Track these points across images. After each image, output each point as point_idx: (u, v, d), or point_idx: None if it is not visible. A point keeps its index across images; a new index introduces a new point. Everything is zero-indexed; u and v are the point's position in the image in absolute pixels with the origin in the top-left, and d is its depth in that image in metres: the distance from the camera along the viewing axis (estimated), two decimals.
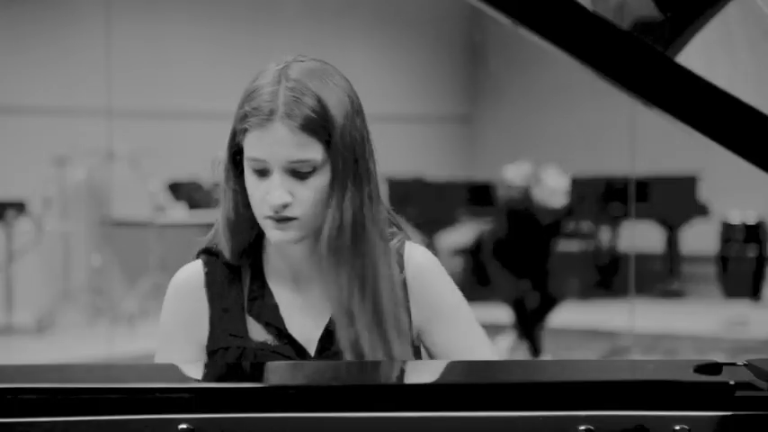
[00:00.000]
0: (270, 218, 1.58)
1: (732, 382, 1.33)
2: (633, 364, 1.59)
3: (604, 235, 9.46)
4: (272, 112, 1.56)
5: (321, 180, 1.58)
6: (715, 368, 1.40)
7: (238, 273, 1.67)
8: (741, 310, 7.84)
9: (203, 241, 1.73)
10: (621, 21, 1.22)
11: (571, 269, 8.08)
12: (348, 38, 9.80)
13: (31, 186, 7.74)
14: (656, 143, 7.55)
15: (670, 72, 1.22)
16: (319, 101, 1.57)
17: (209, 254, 1.70)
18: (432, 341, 1.67)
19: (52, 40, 8.18)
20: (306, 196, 1.57)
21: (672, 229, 9.00)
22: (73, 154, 7.89)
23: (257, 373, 1.53)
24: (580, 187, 8.57)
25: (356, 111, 1.61)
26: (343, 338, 1.60)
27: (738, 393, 1.32)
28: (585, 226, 9.38)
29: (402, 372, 1.53)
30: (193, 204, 8.15)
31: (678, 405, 1.31)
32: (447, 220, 9.19)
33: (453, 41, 11.03)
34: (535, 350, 6.24)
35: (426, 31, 10.68)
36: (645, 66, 1.22)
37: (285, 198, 1.56)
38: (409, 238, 1.71)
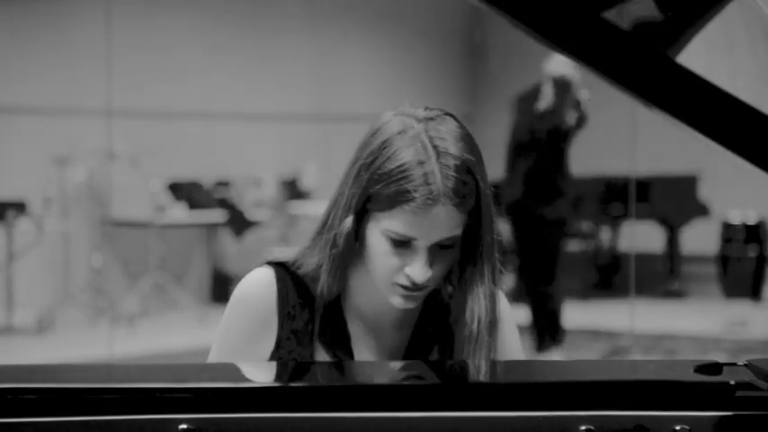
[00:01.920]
0: (403, 287, 1.54)
1: (732, 383, 1.33)
2: (633, 365, 1.59)
3: (605, 235, 9.46)
4: (432, 198, 1.49)
5: (456, 251, 1.56)
6: (715, 368, 1.40)
7: (312, 297, 1.62)
8: (741, 310, 7.84)
9: (279, 256, 1.65)
10: (621, 21, 1.22)
11: (571, 269, 8.08)
12: (348, 37, 9.79)
13: (31, 186, 7.74)
14: (656, 143, 7.54)
15: (670, 72, 1.22)
16: (471, 174, 1.52)
17: (284, 269, 1.63)
18: None
19: (52, 40, 8.18)
20: (440, 268, 1.55)
21: (672, 229, 9.00)
22: (73, 154, 7.89)
23: (257, 373, 1.53)
24: (580, 187, 8.58)
25: (485, 171, 1.58)
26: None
27: (739, 393, 1.33)
28: (586, 226, 9.38)
29: (402, 372, 1.53)
30: (194, 204, 8.15)
31: (678, 405, 1.31)
32: None
33: (453, 41, 11.03)
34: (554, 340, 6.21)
35: (427, 30, 10.67)
36: (645, 66, 1.22)
37: (429, 274, 1.53)
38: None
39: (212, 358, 1.65)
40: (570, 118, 5.99)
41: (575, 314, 6.82)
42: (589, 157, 7.52)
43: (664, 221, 8.96)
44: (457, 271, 1.60)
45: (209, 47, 8.99)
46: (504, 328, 1.66)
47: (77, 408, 1.28)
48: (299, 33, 9.39)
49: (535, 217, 6.10)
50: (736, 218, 8.51)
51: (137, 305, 7.83)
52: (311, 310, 1.62)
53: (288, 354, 1.60)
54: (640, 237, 8.88)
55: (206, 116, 8.88)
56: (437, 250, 1.53)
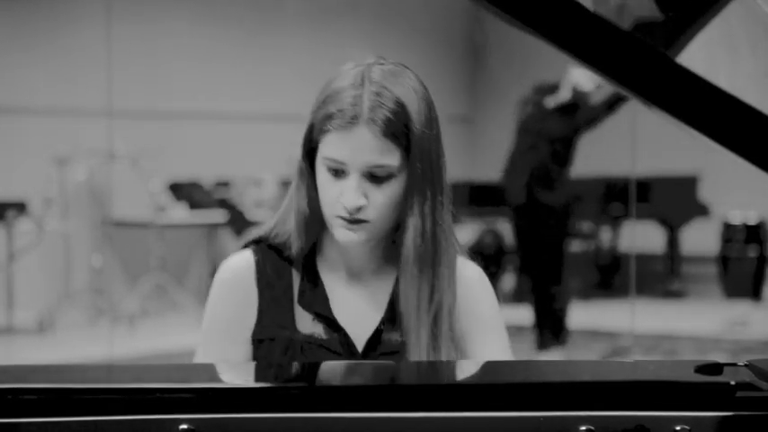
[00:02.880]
0: (341, 218, 1.59)
1: (733, 383, 1.33)
2: (634, 365, 1.59)
3: (605, 235, 9.46)
4: (356, 116, 1.56)
5: (396, 186, 1.59)
6: (716, 368, 1.40)
7: (289, 264, 1.68)
8: (742, 310, 7.84)
9: (254, 234, 1.72)
10: (621, 21, 1.22)
11: (572, 269, 8.08)
12: (348, 38, 9.80)
13: (31, 186, 7.74)
14: (657, 143, 7.55)
15: (670, 72, 1.22)
16: (402, 107, 1.58)
17: (259, 244, 1.69)
18: (465, 352, 1.70)
19: (52, 40, 8.18)
20: (380, 201, 1.59)
21: (672, 229, 9.00)
22: (73, 154, 7.89)
23: (258, 372, 1.53)
24: (580, 187, 8.58)
25: (434, 118, 1.63)
26: (411, 343, 1.62)
27: (739, 394, 1.32)
28: (586, 226, 9.38)
29: (403, 372, 1.53)
30: (194, 204, 8.15)
31: (679, 405, 1.31)
32: None
33: (453, 41, 11.03)
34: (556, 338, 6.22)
35: (427, 31, 10.68)
36: (645, 66, 1.22)
37: (361, 201, 1.57)
38: (462, 254, 1.72)
39: (201, 341, 1.69)
40: (581, 119, 6.11)
41: (575, 314, 6.82)
42: (589, 157, 7.51)
43: (664, 221, 8.96)
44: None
45: (209, 47, 8.99)
46: (480, 302, 1.69)
47: (77, 408, 1.28)
48: (300, 33, 9.39)
49: (539, 206, 6.12)
50: (737, 218, 8.51)
51: (137, 305, 7.84)
52: (290, 275, 1.67)
53: (270, 322, 1.65)
54: (640, 237, 8.88)
55: (206, 116, 8.88)
56: (371, 179, 1.58)
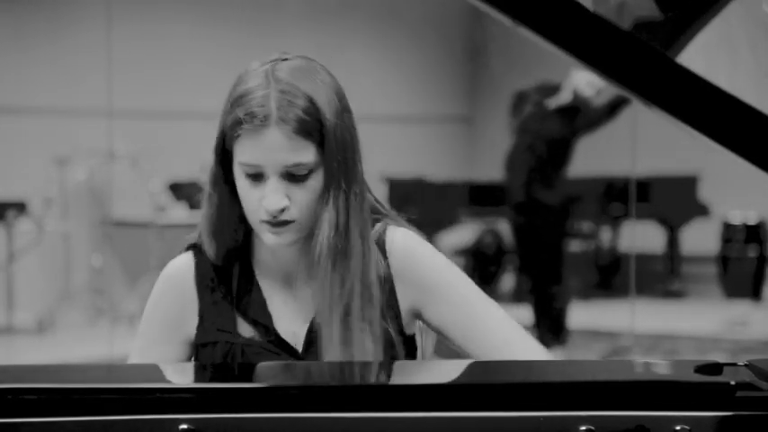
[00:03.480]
0: (266, 222, 1.57)
1: (733, 383, 1.33)
2: (633, 365, 1.59)
3: (605, 235, 9.46)
4: (266, 118, 1.54)
5: (316, 181, 1.58)
6: (716, 368, 1.40)
7: (228, 268, 1.67)
8: (742, 310, 7.84)
9: (190, 237, 1.72)
10: (621, 21, 1.22)
11: (572, 269, 8.07)
12: (348, 38, 9.80)
13: (31, 186, 7.74)
14: (657, 143, 7.54)
15: (670, 72, 1.22)
16: (311, 102, 1.56)
17: (198, 248, 1.69)
18: (429, 321, 1.67)
19: (52, 40, 8.18)
20: (302, 199, 1.57)
21: (672, 229, 9.00)
22: (73, 154, 7.89)
23: (258, 372, 1.53)
24: (580, 187, 8.57)
25: (345, 108, 1.61)
26: (323, 337, 1.61)
27: (739, 394, 1.32)
28: (586, 226, 9.38)
29: (402, 372, 1.53)
30: (194, 204, 8.14)
31: (679, 405, 1.31)
32: (447, 220, 9.19)
33: (453, 41, 11.03)
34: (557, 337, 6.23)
35: (426, 31, 10.67)
36: (645, 66, 1.22)
37: (283, 202, 1.56)
38: (393, 222, 1.69)
39: (137, 342, 1.70)
40: (581, 122, 6.14)
41: (575, 314, 6.82)
42: (589, 157, 7.51)
43: (664, 221, 8.96)
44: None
45: (209, 47, 8.99)
46: (418, 268, 1.65)
47: (77, 408, 1.28)
48: (299, 34, 9.39)
49: (538, 205, 6.13)
50: (737, 218, 8.51)
51: (137, 305, 7.83)
52: (228, 280, 1.66)
53: (211, 325, 1.64)
54: (640, 237, 8.88)
55: (206, 116, 8.87)
56: (291, 179, 1.56)
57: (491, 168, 7.54)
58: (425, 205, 8.92)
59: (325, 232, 1.58)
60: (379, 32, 10.20)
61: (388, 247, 1.66)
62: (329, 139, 1.56)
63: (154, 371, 1.54)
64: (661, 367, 1.51)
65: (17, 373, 1.41)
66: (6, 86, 7.97)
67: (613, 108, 6.14)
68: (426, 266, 1.66)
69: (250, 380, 1.47)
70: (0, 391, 1.28)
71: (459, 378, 1.48)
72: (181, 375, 1.51)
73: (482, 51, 10.93)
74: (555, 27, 1.20)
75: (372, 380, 1.48)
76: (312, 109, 1.55)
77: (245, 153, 1.56)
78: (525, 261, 6.45)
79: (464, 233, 9.52)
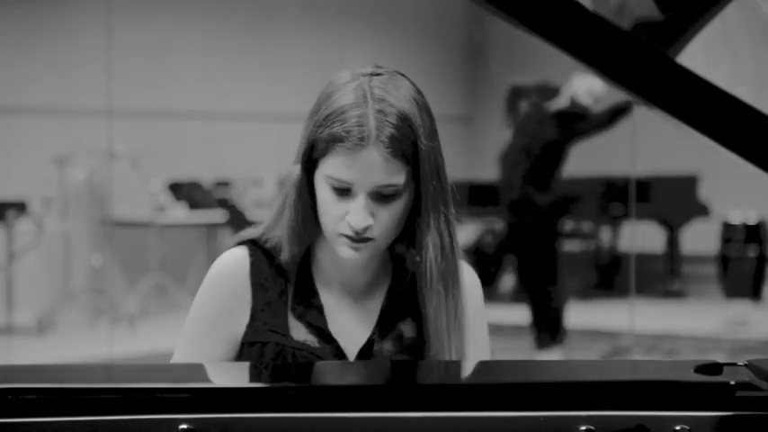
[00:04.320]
0: (347, 236, 1.57)
1: (733, 383, 1.33)
2: (634, 365, 1.59)
3: (605, 235, 9.46)
4: (363, 138, 1.53)
5: (402, 202, 1.58)
6: (716, 368, 1.40)
7: (284, 270, 1.66)
8: (742, 310, 7.84)
9: (247, 233, 1.69)
10: (621, 21, 1.22)
11: (571, 269, 8.07)
12: (348, 38, 9.80)
13: (31, 186, 7.74)
14: (657, 143, 7.54)
15: (670, 72, 1.22)
16: (408, 122, 1.56)
17: (255, 245, 1.68)
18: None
19: (52, 40, 8.18)
20: (385, 219, 1.57)
21: (672, 229, 9.00)
22: (73, 154, 7.89)
23: (258, 372, 1.53)
24: (580, 187, 8.57)
25: (434, 128, 1.62)
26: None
27: (739, 393, 1.32)
28: (586, 226, 9.38)
29: (402, 372, 1.53)
30: (194, 204, 8.15)
31: (679, 405, 1.31)
32: None
33: (453, 41, 11.03)
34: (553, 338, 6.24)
35: (426, 31, 10.68)
36: (645, 66, 1.22)
37: (369, 221, 1.56)
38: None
39: (184, 336, 1.66)
40: (579, 128, 6.17)
41: (575, 314, 6.82)
42: (589, 157, 7.52)
43: (664, 221, 8.96)
44: (409, 227, 1.63)
45: (209, 47, 8.99)
46: (469, 305, 1.68)
47: (77, 408, 1.28)
48: (299, 34, 9.39)
49: (531, 205, 6.14)
50: (737, 218, 8.50)
51: (137, 305, 7.83)
52: (284, 281, 1.66)
53: (263, 325, 1.63)
54: (640, 237, 8.88)
55: (206, 116, 8.88)
56: (378, 199, 1.56)
57: (491, 168, 7.54)
58: None
59: (432, 256, 1.60)
60: (379, 32, 10.21)
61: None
62: (423, 160, 1.57)
63: (154, 371, 1.54)
64: (661, 367, 1.51)
65: (17, 373, 1.41)
66: (6, 86, 7.97)
67: (612, 117, 6.15)
68: (480, 308, 1.72)
69: (253, 380, 1.48)
70: (0, 390, 1.28)
71: (459, 378, 1.48)
72: (186, 375, 1.51)
73: (482, 51, 10.93)
74: (555, 27, 1.20)
75: (372, 380, 1.48)
76: (408, 130, 1.55)
77: (336, 168, 1.55)
78: (519, 261, 6.45)
79: (464, 233, 9.52)
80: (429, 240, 1.59)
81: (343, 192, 1.56)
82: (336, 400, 1.32)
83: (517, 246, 6.32)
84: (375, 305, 1.67)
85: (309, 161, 1.60)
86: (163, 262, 7.96)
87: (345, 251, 1.59)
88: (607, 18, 1.21)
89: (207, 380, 1.48)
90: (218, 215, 8.12)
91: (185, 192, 8.22)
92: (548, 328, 6.27)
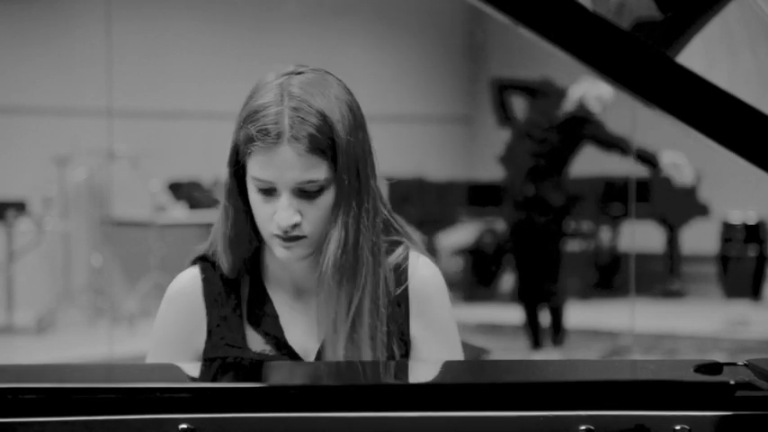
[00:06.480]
0: (278, 236, 1.58)
1: (732, 382, 1.33)
2: (633, 364, 1.59)
3: (605, 235, 9.46)
4: (278, 135, 1.54)
5: (328, 198, 1.58)
6: (715, 368, 1.40)
7: (237, 282, 1.67)
8: (741, 309, 7.84)
9: (198, 249, 1.71)
10: (621, 21, 1.22)
11: (571, 269, 8.07)
12: (348, 38, 9.80)
13: (31, 186, 7.74)
14: (656, 143, 7.53)
15: (670, 72, 1.22)
16: (324, 120, 1.56)
17: (206, 261, 1.69)
18: (419, 353, 1.68)
19: (52, 40, 8.18)
20: (314, 215, 1.58)
21: (672, 228, 9.00)
22: (73, 154, 7.89)
23: (257, 372, 1.53)
24: (580, 187, 8.57)
25: (359, 124, 1.61)
26: (328, 353, 1.61)
27: (739, 393, 1.33)
28: (585, 226, 9.38)
29: (402, 372, 1.53)
30: (194, 204, 8.15)
31: (679, 405, 1.31)
32: (447, 220, 9.19)
33: (453, 41, 11.03)
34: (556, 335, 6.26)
35: (426, 31, 10.67)
36: (645, 66, 1.22)
37: (295, 218, 1.56)
38: (413, 246, 1.71)
39: (149, 355, 1.69)
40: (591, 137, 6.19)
41: (575, 314, 6.82)
42: (589, 157, 7.51)
43: (664, 221, 8.96)
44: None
45: (209, 47, 8.99)
46: (432, 301, 1.68)
47: (77, 408, 1.28)
48: (299, 34, 9.39)
49: (535, 206, 6.14)
50: (736, 218, 8.51)
51: (137, 305, 7.83)
52: (237, 294, 1.66)
53: (220, 340, 1.64)
54: (640, 237, 8.87)
55: (206, 116, 8.88)
56: (302, 196, 1.57)
57: (491, 168, 7.54)
58: (425, 205, 8.92)
59: (332, 250, 1.59)
60: (379, 32, 10.20)
61: (410, 272, 1.68)
62: (341, 156, 1.57)
63: (154, 371, 1.54)
64: (661, 367, 1.51)
65: (17, 373, 1.41)
66: (6, 86, 7.97)
67: (635, 156, 6.18)
68: (441, 302, 1.70)
69: (253, 380, 1.48)
70: (0, 390, 1.28)
71: (459, 378, 1.48)
72: (186, 375, 1.51)
73: (482, 51, 10.92)
74: (555, 27, 1.20)
75: (372, 380, 1.48)
76: (324, 126, 1.56)
77: (257, 169, 1.56)
78: (524, 261, 6.45)
79: (464, 233, 9.52)
80: (333, 234, 1.59)
81: (268, 192, 1.57)
82: (336, 400, 1.31)
83: (522, 245, 6.32)
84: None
85: (236, 164, 1.61)
86: (163, 262, 7.96)
87: (280, 251, 1.59)
88: (607, 18, 1.21)
89: (207, 380, 1.48)
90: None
91: (185, 192, 8.22)
92: (550, 328, 6.29)
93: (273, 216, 1.57)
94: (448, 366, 1.57)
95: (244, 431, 1.28)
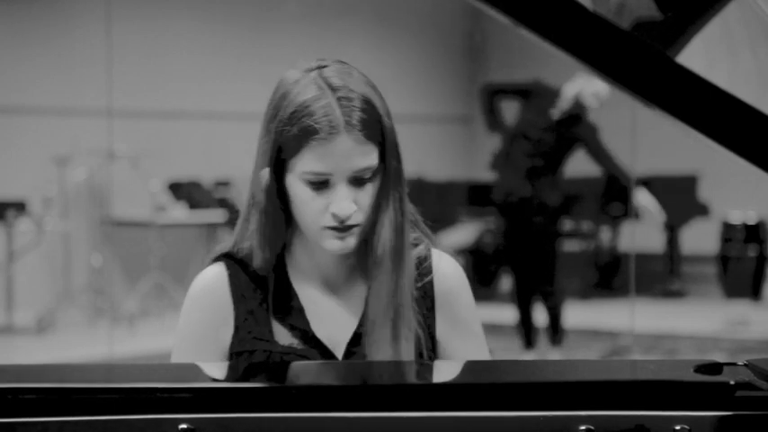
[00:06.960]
0: (331, 228, 1.58)
1: (732, 382, 1.33)
2: (633, 364, 1.59)
3: (605, 235, 9.46)
4: (333, 127, 1.54)
5: (376, 184, 1.60)
6: (715, 368, 1.40)
7: (262, 277, 1.67)
8: (741, 309, 7.84)
9: (219, 248, 1.70)
10: (621, 21, 1.22)
11: (571, 269, 8.07)
12: (348, 38, 9.80)
13: (31, 186, 7.74)
14: (657, 143, 7.54)
15: (670, 72, 1.22)
16: (371, 105, 1.58)
17: (230, 258, 1.68)
18: (446, 353, 1.69)
19: (52, 40, 8.18)
20: (365, 202, 1.59)
21: (672, 229, 9.00)
22: (73, 154, 7.89)
23: (257, 372, 1.53)
24: (580, 187, 8.57)
25: (388, 108, 1.64)
26: (376, 335, 1.61)
27: (739, 393, 1.32)
28: (585, 226, 9.38)
29: (402, 372, 1.53)
30: (194, 204, 8.15)
31: (678, 405, 1.31)
32: (447, 220, 9.19)
33: (453, 42, 11.03)
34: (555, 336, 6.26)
35: (426, 31, 10.68)
36: (645, 66, 1.22)
37: (353, 207, 1.57)
38: (435, 245, 1.72)
39: (174, 351, 1.68)
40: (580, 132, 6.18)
41: (575, 314, 6.82)
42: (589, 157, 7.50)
43: (664, 221, 8.96)
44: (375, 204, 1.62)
45: (209, 47, 8.99)
46: (460, 299, 1.69)
47: (77, 408, 1.28)
48: (299, 34, 9.39)
49: (533, 208, 6.13)
50: (736, 218, 8.50)
51: (137, 305, 7.83)
52: (263, 288, 1.66)
53: (247, 335, 1.63)
54: (640, 237, 8.87)
55: (206, 116, 8.88)
56: (356, 184, 1.57)
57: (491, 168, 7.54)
58: (425, 205, 8.91)
59: (387, 233, 1.60)
60: (379, 32, 10.20)
61: (435, 266, 1.68)
62: (388, 140, 1.60)
63: (154, 371, 1.54)
64: (661, 367, 1.51)
65: (17, 373, 1.41)
66: (6, 86, 7.97)
67: (615, 173, 6.24)
68: (467, 300, 1.71)
69: (253, 380, 1.47)
70: (0, 390, 1.28)
71: (459, 378, 1.48)
72: (186, 375, 1.51)
73: (482, 52, 10.93)
74: (554, 27, 1.20)
75: (373, 380, 1.48)
76: (373, 111, 1.58)
77: (311, 163, 1.55)
78: (520, 260, 6.44)
79: (464, 233, 9.52)
80: (386, 217, 1.60)
81: (321, 185, 1.56)
82: (336, 400, 1.32)
83: (518, 245, 6.31)
84: (358, 298, 1.66)
85: (278, 164, 1.60)
86: (163, 262, 7.96)
87: (333, 243, 1.59)
88: (607, 18, 1.21)
89: (207, 380, 1.48)
90: (218, 215, 8.12)
91: (185, 192, 8.22)
92: (548, 329, 6.29)
93: (328, 208, 1.56)
94: (448, 366, 1.57)
95: (244, 431, 1.28)
